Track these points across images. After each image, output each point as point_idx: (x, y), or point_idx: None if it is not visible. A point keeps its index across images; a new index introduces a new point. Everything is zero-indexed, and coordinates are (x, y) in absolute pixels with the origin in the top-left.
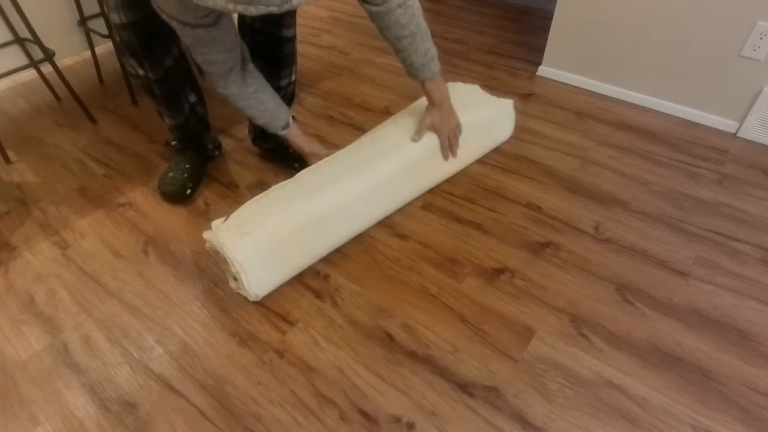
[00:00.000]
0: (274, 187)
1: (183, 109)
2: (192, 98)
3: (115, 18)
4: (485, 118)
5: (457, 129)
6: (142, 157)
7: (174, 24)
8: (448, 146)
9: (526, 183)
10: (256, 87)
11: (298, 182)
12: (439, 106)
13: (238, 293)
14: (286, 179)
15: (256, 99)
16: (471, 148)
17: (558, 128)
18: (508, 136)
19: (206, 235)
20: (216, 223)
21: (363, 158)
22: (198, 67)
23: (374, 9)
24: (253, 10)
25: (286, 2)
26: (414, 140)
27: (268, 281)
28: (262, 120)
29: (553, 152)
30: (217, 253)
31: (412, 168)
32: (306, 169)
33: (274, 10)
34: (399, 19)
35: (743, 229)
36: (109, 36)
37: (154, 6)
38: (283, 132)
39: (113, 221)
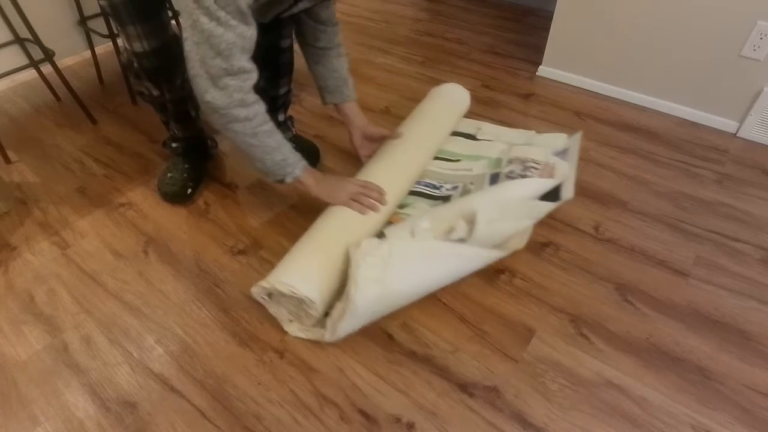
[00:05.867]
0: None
1: (192, 120)
2: (193, 113)
3: (138, 47)
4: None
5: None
6: (142, 157)
7: (221, 15)
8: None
9: None
10: (268, 115)
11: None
12: (365, 122)
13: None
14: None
15: (273, 124)
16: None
17: (558, 128)
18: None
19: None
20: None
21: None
22: (194, 103)
23: (313, 46)
24: None
25: None
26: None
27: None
28: (276, 156)
29: None
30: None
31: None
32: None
33: None
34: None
35: (743, 229)
36: (110, 36)
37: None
38: (297, 176)
39: (113, 221)
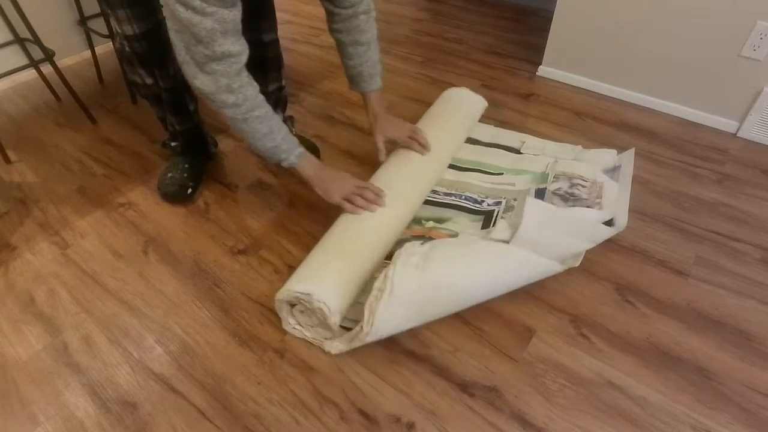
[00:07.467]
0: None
1: (189, 113)
2: (191, 106)
3: (128, 30)
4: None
5: (414, 128)
6: (142, 157)
7: (195, 4)
8: (417, 145)
9: None
10: (262, 99)
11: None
12: (384, 116)
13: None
14: (285, 178)
15: (267, 110)
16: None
17: (558, 128)
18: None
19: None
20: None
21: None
22: (191, 95)
23: (341, 12)
24: None
25: None
26: (381, 160)
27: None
28: (268, 143)
29: None
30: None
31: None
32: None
33: None
34: (361, 24)
35: (743, 229)
36: (110, 36)
37: None
38: (293, 163)
39: (113, 221)
